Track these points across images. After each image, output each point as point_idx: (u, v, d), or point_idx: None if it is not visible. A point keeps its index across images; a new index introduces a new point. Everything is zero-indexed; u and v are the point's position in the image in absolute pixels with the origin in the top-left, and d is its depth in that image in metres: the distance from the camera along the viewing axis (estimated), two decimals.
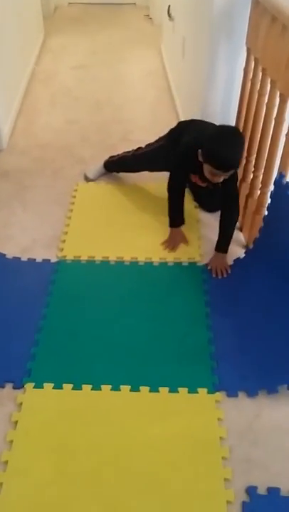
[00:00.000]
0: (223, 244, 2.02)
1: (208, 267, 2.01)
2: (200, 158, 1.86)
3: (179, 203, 2.12)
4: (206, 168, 1.86)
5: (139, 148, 2.42)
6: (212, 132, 1.90)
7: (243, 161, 2.09)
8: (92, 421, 1.47)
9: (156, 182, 2.52)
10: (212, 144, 1.83)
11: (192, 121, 2.22)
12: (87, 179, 2.58)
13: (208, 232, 2.22)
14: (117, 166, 2.54)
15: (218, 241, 2.04)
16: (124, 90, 3.67)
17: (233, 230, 2.04)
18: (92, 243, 2.17)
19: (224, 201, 2.02)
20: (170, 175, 2.12)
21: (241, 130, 2.22)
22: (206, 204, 2.33)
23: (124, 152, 2.50)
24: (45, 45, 4.41)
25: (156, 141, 2.34)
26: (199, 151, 1.85)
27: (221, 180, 1.88)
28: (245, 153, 2.06)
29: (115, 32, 4.79)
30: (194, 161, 1.89)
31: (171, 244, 2.13)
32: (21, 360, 1.63)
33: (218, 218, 2.05)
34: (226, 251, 2.02)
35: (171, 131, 2.21)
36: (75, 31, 4.79)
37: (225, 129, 1.93)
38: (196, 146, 1.87)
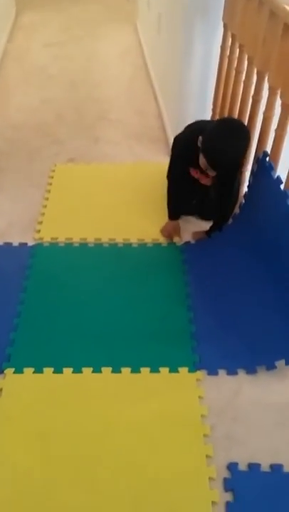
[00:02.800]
0: (211, 231, 2.02)
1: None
2: (199, 144, 1.77)
3: (178, 194, 2.05)
4: (201, 158, 1.80)
5: None
6: (216, 123, 1.80)
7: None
8: (73, 404, 1.47)
9: (136, 161, 2.50)
10: (211, 134, 1.73)
11: (199, 121, 2.05)
12: None
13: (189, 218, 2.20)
14: None
15: (210, 228, 2.04)
16: (99, 68, 3.59)
17: (226, 221, 1.98)
18: (69, 225, 2.13)
19: (219, 199, 1.97)
20: (169, 164, 2.04)
21: (218, 109, 2.20)
22: (205, 211, 2.17)
23: None
24: (17, 22, 4.28)
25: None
26: (200, 137, 1.75)
27: (213, 174, 1.82)
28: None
29: (90, 8, 4.66)
30: (194, 149, 1.79)
31: (166, 235, 2.09)
32: (0, 346, 1.61)
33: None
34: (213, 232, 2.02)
35: (175, 139, 2.02)
36: (48, 7, 4.65)
37: (229, 124, 1.80)
38: (199, 132, 1.78)
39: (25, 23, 4.27)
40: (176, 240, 2.08)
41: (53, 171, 2.46)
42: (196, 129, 1.89)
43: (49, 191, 2.33)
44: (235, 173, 1.88)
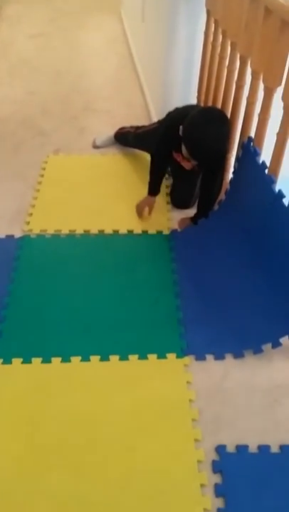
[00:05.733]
0: (197, 218, 2.03)
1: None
2: (180, 133, 1.79)
3: (160, 173, 2.08)
4: (183, 147, 1.82)
5: (142, 126, 2.40)
6: (196, 112, 1.79)
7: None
8: (62, 393, 1.47)
9: (129, 156, 2.50)
10: (190, 125, 1.74)
11: (188, 105, 2.09)
12: (94, 145, 2.58)
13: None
14: (121, 139, 2.53)
15: (195, 215, 2.05)
16: (84, 59, 3.56)
17: (211, 208, 2.00)
18: (59, 216, 2.13)
19: (204, 181, 1.98)
20: (155, 147, 2.07)
21: (203, 95, 2.20)
22: (177, 198, 2.21)
23: (130, 127, 2.49)
24: (1, 13, 4.23)
25: (155, 123, 2.29)
26: (180, 126, 1.77)
27: (195, 163, 1.87)
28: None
29: None
30: (177, 135, 1.81)
31: (139, 208, 2.12)
32: None
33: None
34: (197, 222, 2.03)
35: (167, 114, 2.07)
36: None
37: (208, 114, 1.80)
38: (180, 120, 1.79)
39: (9, 14, 4.22)
40: (144, 214, 2.10)
41: (46, 162, 2.45)
42: (176, 116, 1.92)
43: (40, 183, 2.32)
44: (219, 163, 1.89)
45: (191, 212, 2.10)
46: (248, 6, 1.62)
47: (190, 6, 2.10)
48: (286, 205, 1.51)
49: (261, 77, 1.61)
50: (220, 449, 1.33)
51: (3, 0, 4.40)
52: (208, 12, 2.04)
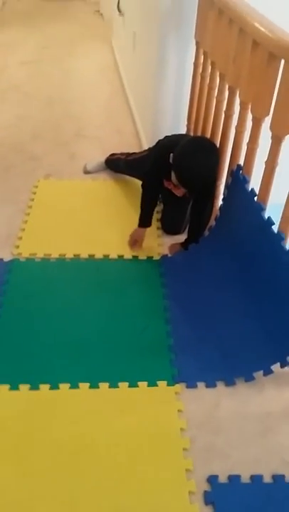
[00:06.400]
0: (187, 244, 2.04)
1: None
2: (170, 161, 1.83)
3: (151, 203, 2.10)
4: (173, 174, 1.87)
5: (132, 153, 2.43)
6: (186, 142, 1.85)
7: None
8: (51, 421, 1.44)
9: (120, 181, 2.52)
10: (180, 154, 1.79)
11: (178, 134, 2.15)
12: (85, 171, 2.59)
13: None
14: (112, 165, 2.55)
15: (185, 240, 2.07)
16: (75, 86, 3.62)
17: (201, 233, 2.02)
18: (49, 241, 2.12)
19: (194, 207, 2.02)
20: (145, 175, 2.11)
21: (192, 124, 2.24)
22: (167, 224, 2.23)
23: (120, 154, 2.52)
24: None
25: (145, 151, 2.33)
26: (171, 154, 1.82)
27: (184, 191, 1.92)
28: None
29: (66, 27, 4.72)
30: (167, 163, 1.85)
31: (131, 240, 2.11)
32: None
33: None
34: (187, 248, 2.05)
35: (157, 142, 2.12)
36: (25, 26, 4.69)
37: (198, 144, 1.87)
38: (170, 148, 1.84)
39: (1, 41, 4.29)
40: (135, 248, 2.10)
41: (36, 186, 2.46)
42: (167, 144, 1.97)
43: (30, 207, 2.32)
44: (208, 190, 1.93)
45: (182, 237, 2.11)
46: (236, 38, 1.67)
47: (180, 37, 2.16)
48: (275, 231, 1.53)
49: (249, 107, 1.65)
50: (212, 480, 1.30)
51: None
52: (197, 44, 2.09)
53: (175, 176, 1.84)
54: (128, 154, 2.45)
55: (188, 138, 1.93)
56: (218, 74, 1.89)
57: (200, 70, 2.09)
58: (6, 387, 1.51)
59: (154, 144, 2.15)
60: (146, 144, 2.65)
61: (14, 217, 2.25)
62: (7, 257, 2.02)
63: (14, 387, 1.52)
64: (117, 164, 2.51)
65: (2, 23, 4.64)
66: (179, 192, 1.98)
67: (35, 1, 5.36)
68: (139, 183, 2.17)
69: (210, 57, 1.96)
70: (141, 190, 2.11)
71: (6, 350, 1.63)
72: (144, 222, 2.10)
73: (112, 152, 2.59)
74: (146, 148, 2.41)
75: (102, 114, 3.24)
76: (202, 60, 2.05)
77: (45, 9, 5.17)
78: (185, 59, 2.20)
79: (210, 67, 1.98)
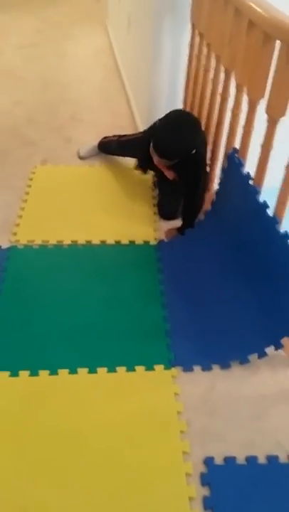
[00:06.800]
0: (183, 228, 2.05)
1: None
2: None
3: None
4: (153, 155, 1.90)
5: (125, 135, 2.43)
6: (164, 116, 1.91)
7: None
8: (50, 406, 1.46)
9: (116, 167, 2.50)
10: (157, 125, 1.87)
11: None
12: (79, 156, 2.58)
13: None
14: (105, 148, 2.54)
15: (181, 225, 2.07)
16: (71, 69, 3.58)
17: (195, 217, 2.03)
18: (47, 227, 2.12)
19: (186, 191, 2.03)
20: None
21: (188, 107, 2.22)
22: (163, 209, 2.21)
23: (113, 136, 2.50)
24: None
25: (140, 132, 2.34)
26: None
27: (166, 165, 1.94)
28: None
29: (61, 10, 4.64)
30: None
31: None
32: None
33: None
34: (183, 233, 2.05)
35: (152, 124, 2.13)
36: (19, 9, 4.61)
37: (172, 114, 1.93)
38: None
39: None
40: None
41: (33, 172, 2.44)
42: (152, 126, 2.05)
43: (28, 193, 2.31)
44: (196, 172, 1.93)
45: (178, 223, 2.11)
46: (231, 19, 1.64)
47: (175, 18, 2.12)
48: (270, 215, 1.53)
49: (245, 89, 1.63)
50: (208, 461, 1.32)
51: None
52: (193, 25, 2.06)
53: (154, 149, 1.87)
54: (120, 136, 2.44)
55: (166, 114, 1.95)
56: (213, 56, 1.87)
57: (195, 51, 2.06)
58: (6, 373, 1.53)
59: (149, 125, 2.14)
60: (142, 126, 2.63)
61: (11, 204, 2.24)
62: (5, 244, 2.02)
63: (14, 373, 1.53)
64: (110, 146, 2.50)
65: None
66: (170, 174, 1.99)
67: None
68: (132, 166, 2.18)
69: (205, 39, 1.93)
70: (135, 175, 2.13)
71: (6, 337, 1.64)
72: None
73: (106, 135, 2.57)
74: (142, 130, 2.39)
75: (98, 96, 3.20)
76: (198, 42, 2.03)
77: None
78: (180, 40, 2.17)
79: (205, 49, 1.95)
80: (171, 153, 1.88)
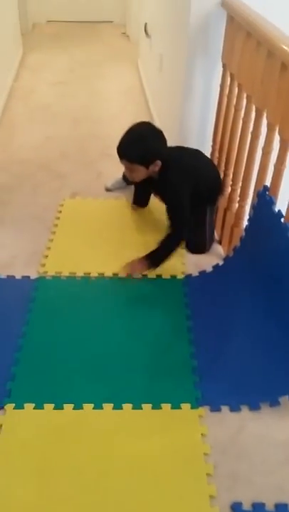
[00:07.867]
0: (150, 255, 1.98)
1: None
2: None
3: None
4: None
5: None
6: None
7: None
8: (74, 441, 1.44)
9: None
10: None
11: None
12: (106, 188, 2.64)
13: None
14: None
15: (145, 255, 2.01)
16: (102, 106, 3.69)
17: (160, 254, 1.98)
18: (75, 259, 2.14)
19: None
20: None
21: (218, 145, 2.25)
22: (190, 243, 2.18)
23: None
24: (24, 62, 4.42)
25: None
26: None
27: (131, 174, 2.07)
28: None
29: (93, 49, 4.83)
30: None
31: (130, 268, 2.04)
32: (1, 381, 1.59)
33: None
34: (148, 262, 1.99)
35: None
36: (54, 48, 4.82)
37: (136, 123, 2.08)
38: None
39: (31, 63, 4.41)
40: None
41: (62, 205, 2.49)
42: None
43: (56, 225, 2.35)
44: (171, 195, 2.01)
45: (204, 257, 2.10)
46: (264, 61, 1.68)
47: (207, 59, 2.18)
48: None
49: (277, 128, 1.65)
50: (236, 507, 1.27)
51: (26, 50, 4.61)
52: (224, 66, 2.12)
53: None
54: None
55: None
56: (244, 96, 1.91)
57: (226, 91, 2.10)
58: (31, 405, 1.52)
59: None
60: None
61: (40, 236, 2.28)
62: (33, 275, 2.04)
63: (39, 406, 1.52)
64: None
65: (32, 46, 4.78)
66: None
67: (63, 25, 5.51)
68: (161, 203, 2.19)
69: (237, 79, 1.97)
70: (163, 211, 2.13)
71: (31, 368, 1.64)
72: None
73: None
74: None
75: None
76: (229, 82, 2.07)
77: (73, 32, 5.31)
78: (211, 81, 2.22)
79: (237, 89, 1.99)
80: (124, 148, 1.97)
